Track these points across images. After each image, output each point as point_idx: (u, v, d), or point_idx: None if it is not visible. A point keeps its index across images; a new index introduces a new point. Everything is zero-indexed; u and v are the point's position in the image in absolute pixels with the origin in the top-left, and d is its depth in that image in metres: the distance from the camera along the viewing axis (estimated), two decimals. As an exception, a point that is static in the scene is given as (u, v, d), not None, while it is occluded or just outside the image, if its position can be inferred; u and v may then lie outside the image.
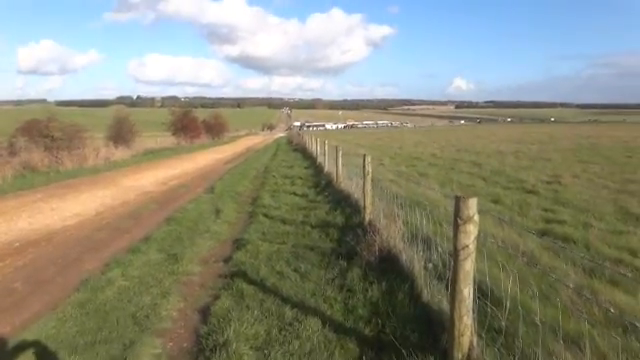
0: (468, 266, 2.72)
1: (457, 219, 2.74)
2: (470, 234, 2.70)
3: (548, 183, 12.84)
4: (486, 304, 3.37)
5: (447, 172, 16.15)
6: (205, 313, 4.28)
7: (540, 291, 3.76)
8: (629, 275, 4.56)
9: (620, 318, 3.46)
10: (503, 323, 3.28)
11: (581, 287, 4.30)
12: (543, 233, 6.87)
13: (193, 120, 43.48)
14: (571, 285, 4.16)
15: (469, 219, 2.69)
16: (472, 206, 2.70)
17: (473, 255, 2.73)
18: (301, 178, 14.27)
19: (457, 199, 2.79)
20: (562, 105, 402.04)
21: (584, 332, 3.13)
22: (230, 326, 3.74)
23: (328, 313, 4.04)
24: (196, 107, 75.49)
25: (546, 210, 8.98)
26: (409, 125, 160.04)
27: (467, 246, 2.70)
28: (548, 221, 7.96)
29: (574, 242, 6.43)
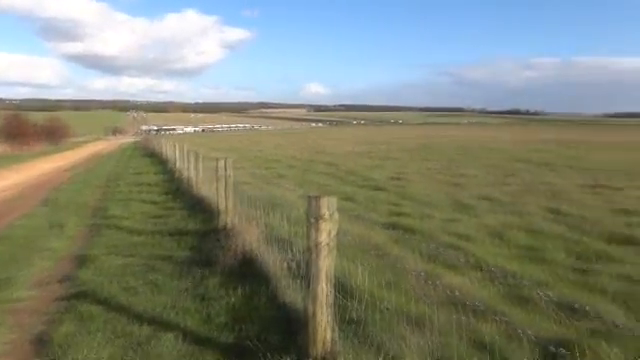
0: (321, 263, 2.79)
1: (310, 218, 2.79)
2: (322, 232, 2.76)
3: (395, 180, 14.01)
4: (343, 298, 3.52)
5: (304, 173, 16.64)
6: (41, 343, 3.74)
7: (389, 280, 4.05)
8: (470, 261, 5.12)
9: (458, 299, 3.88)
10: (358, 314, 3.46)
11: (426, 273, 4.71)
12: (392, 226, 7.43)
13: (24, 124, 38.33)
14: (416, 272, 4.56)
15: (321, 217, 2.75)
16: (324, 205, 2.77)
17: (326, 252, 2.80)
18: (153, 185, 13.48)
19: (309, 199, 2.84)
20: (409, 109, 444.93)
21: (425, 313, 3.46)
22: (71, 354, 3.33)
23: (187, 325, 3.83)
24: (32, 110, 66.60)
25: (394, 204, 9.75)
26: (270, 128, 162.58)
27: (319, 244, 2.76)
28: (395, 214, 8.64)
29: (417, 232, 7.05)
